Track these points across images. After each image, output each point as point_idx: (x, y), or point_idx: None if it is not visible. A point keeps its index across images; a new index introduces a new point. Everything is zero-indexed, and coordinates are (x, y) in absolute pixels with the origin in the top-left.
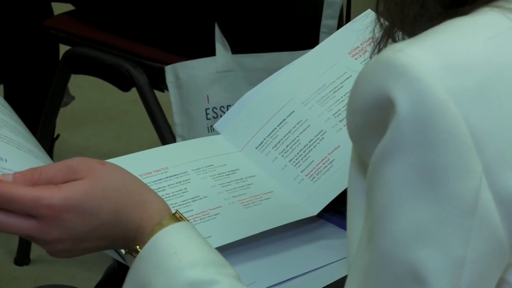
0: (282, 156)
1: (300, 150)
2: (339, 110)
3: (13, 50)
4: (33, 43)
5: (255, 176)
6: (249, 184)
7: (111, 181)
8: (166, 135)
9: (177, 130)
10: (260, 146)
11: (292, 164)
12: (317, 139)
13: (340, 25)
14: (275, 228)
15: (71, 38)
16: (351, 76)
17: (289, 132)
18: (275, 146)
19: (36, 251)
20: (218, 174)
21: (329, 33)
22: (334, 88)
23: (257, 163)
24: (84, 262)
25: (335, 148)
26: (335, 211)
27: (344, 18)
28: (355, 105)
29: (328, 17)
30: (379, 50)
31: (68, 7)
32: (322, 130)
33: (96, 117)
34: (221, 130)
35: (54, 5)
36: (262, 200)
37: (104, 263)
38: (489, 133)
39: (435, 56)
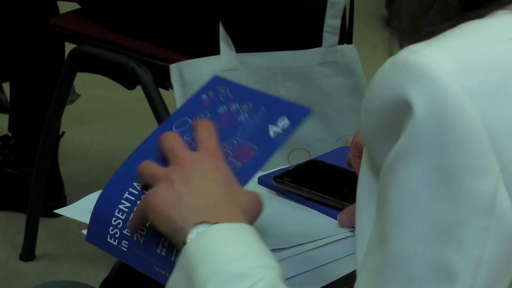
0: None
1: None
2: None
3: (19, 49)
4: (39, 41)
5: None
6: None
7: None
8: None
9: None
10: None
11: None
12: None
13: (343, 24)
14: (280, 224)
15: (76, 36)
16: None
17: None
18: None
19: (41, 247)
20: None
21: (332, 32)
22: None
23: None
24: (90, 259)
25: None
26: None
27: (347, 18)
28: (370, 106)
29: (331, 17)
30: (401, 42)
31: (74, 5)
32: None
33: (101, 114)
34: None
35: (60, 3)
36: None
37: (110, 259)
38: (506, 133)
39: (452, 57)
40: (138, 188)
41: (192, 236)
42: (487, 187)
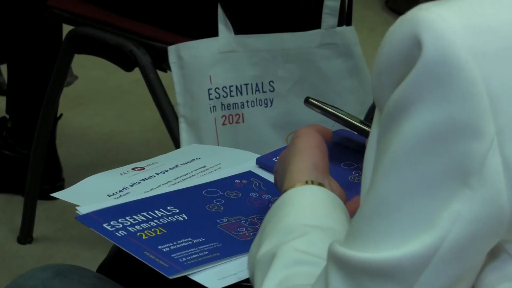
0: None
1: None
2: None
3: (17, 30)
4: (37, 23)
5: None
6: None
7: None
8: (168, 115)
9: (180, 110)
10: None
11: None
12: None
13: (342, 6)
14: None
15: (74, 18)
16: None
17: None
18: None
19: (39, 229)
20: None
21: (332, 14)
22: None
23: None
24: (88, 241)
25: None
26: None
27: None
28: (381, 64)
29: None
30: None
31: None
32: None
33: (99, 96)
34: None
35: None
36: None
37: (108, 242)
38: (507, 97)
39: (461, 16)
40: (156, 215)
41: None
42: (480, 148)
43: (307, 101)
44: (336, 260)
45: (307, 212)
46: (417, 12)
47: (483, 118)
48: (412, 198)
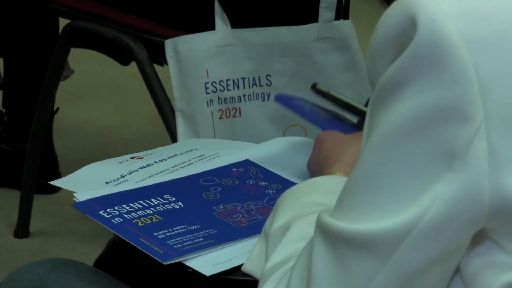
0: None
1: None
2: None
3: (13, 24)
4: (33, 17)
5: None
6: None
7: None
8: (165, 109)
9: (177, 104)
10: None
11: None
12: None
13: (339, 0)
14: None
15: (71, 12)
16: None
17: None
18: None
19: (35, 224)
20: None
21: (329, 8)
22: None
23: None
24: (84, 236)
25: None
26: None
27: None
28: (376, 46)
29: None
30: None
31: None
32: None
33: (96, 90)
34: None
35: None
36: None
37: (104, 237)
38: (497, 83)
39: (455, 1)
40: (152, 203)
41: None
42: (467, 133)
43: (314, 87)
44: (321, 229)
45: (327, 195)
46: None
47: (472, 103)
48: (397, 176)
